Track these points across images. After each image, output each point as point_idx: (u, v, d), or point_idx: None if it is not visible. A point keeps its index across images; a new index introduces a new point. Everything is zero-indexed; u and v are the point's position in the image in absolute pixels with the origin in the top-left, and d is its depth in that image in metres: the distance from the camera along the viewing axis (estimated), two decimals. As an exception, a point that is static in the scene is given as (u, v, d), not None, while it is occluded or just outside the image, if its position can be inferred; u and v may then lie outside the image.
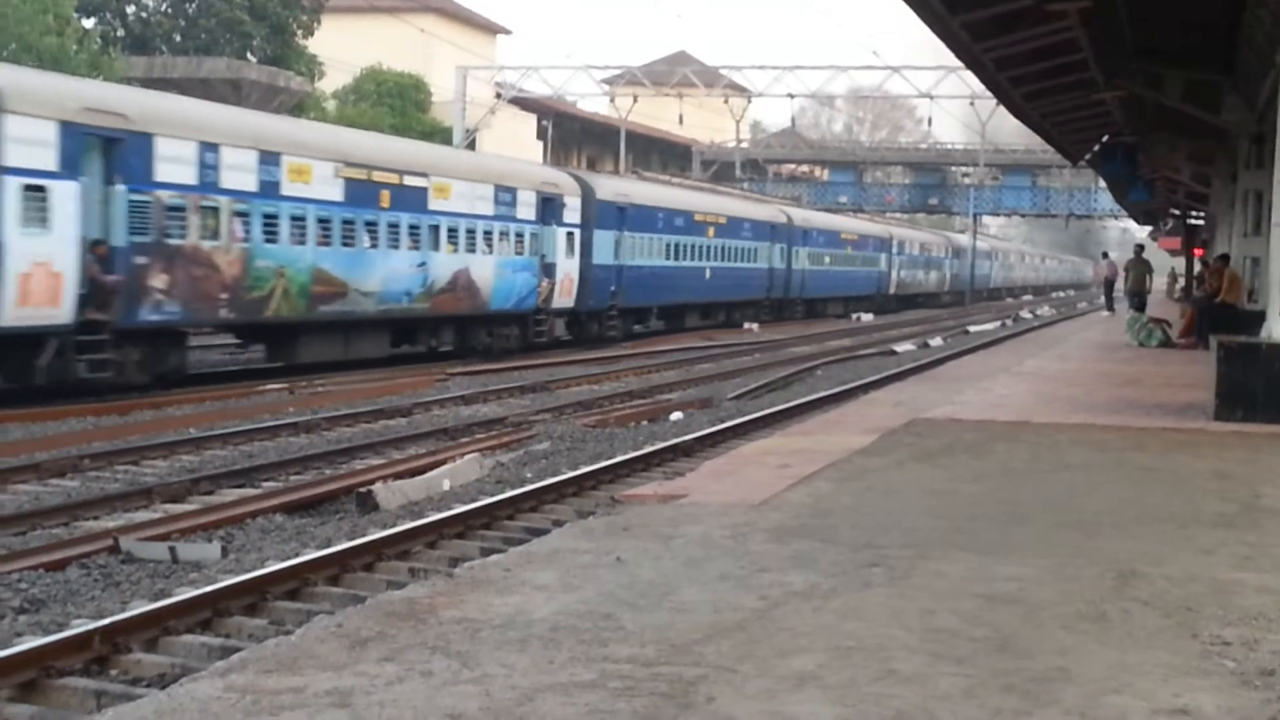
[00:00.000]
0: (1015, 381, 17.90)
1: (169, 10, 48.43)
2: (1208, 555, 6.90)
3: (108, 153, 19.39)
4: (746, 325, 44.63)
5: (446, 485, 12.89)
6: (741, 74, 63.65)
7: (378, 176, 25.62)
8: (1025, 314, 60.47)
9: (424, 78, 56.98)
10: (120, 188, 19.56)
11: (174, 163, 20.56)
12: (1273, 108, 14.51)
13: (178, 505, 12.06)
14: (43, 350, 18.59)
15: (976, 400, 14.99)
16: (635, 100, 60.66)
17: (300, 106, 46.72)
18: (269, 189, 22.60)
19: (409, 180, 26.61)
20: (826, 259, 54.59)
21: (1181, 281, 50.73)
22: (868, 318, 55.38)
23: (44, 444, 15.13)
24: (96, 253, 19.10)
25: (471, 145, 52.49)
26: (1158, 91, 19.96)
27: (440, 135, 51.86)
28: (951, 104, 59.10)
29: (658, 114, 64.35)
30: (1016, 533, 7.42)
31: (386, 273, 25.83)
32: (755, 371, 26.87)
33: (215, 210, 21.50)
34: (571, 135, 69.36)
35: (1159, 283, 63.26)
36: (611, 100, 64.58)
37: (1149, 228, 67.76)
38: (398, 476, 13.08)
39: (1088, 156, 34.01)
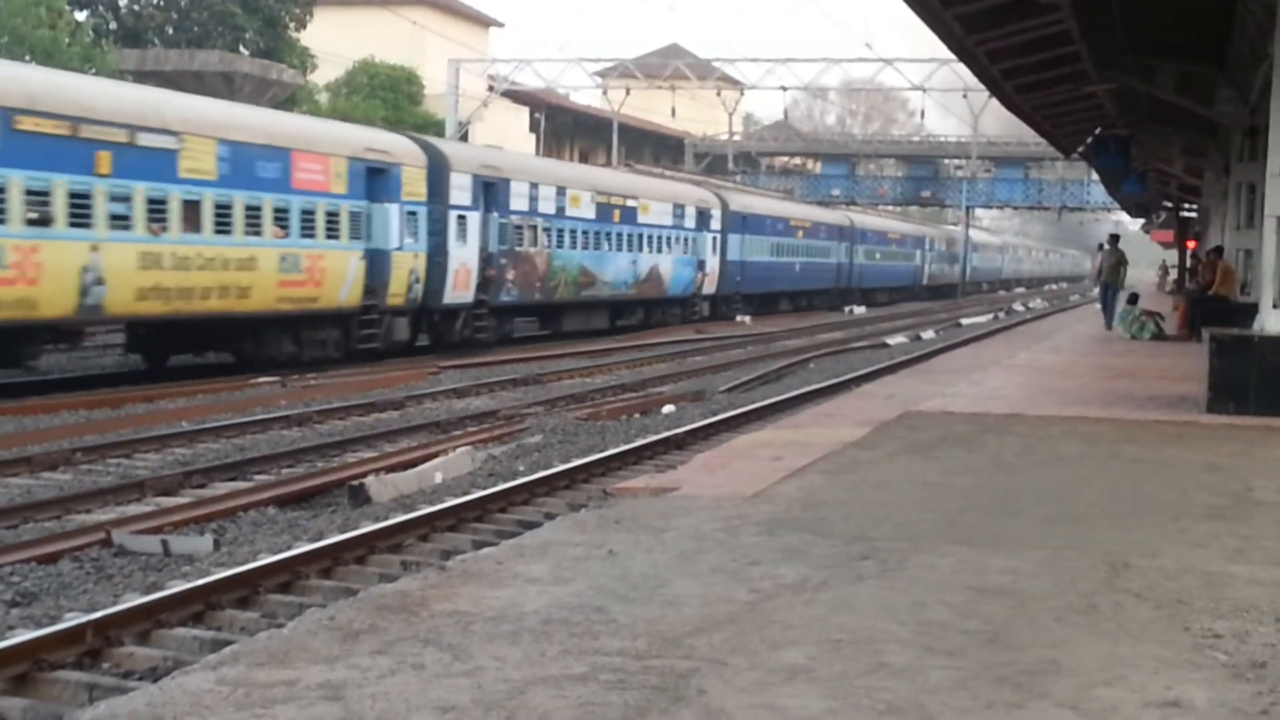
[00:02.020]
0: (1007, 374, 17.91)
1: (161, 3, 48.34)
2: (1200, 548, 6.91)
3: (488, 192, 29.69)
4: (739, 318, 44.77)
5: (438, 478, 12.89)
6: (734, 66, 63.70)
7: (613, 200, 36.46)
8: (1018, 306, 60.55)
9: (416, 71, 56.89)
10: (494, 214, 29.89)
11: (519, 197, 31.12)
12: (1265, 100, 14.50)
13: (170, 498, 12.05)
14: (457, 319, 28.71)
15: (969, 393, 15.00)
16: (628, 93, 60.64)
17: (292, 99, 46.66)
18: (560, 211, 33.13)
19: (629, 202, 37.44)
20: (877, 255, 64.01)
21: (1173, 274, 50.80)
22: (860, 310, 55.49)
23: (36, 437, 15.11)
24: (482, 255, 29.26)
25: (464, 138, 52.45)
26: (1150, 84, 19.96)
27: (433, 128, 51.79)
28: (944, 97, 59.18)
29: (650, 107, 64.34)
30: (1008, 525, 7.43)
31: (615, 268, 36.32)
32: (747, 364, 26.87)
33: (535, 227, 31.95)
34: (564, 128, 69.29)
35: (1149, 275, 63.41)
36: (604, 93, 64.56)
37: (1141, 220, 67.81)
38: (390, 470, 13.08)
39: (1080, 149, 33.97)
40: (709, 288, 43.50)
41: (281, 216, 23.08)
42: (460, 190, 28.43)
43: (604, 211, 35.57)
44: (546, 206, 32.35)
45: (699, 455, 11.67)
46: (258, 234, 22.48)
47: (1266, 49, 15.18)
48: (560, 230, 33.10)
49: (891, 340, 34.34)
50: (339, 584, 8.85)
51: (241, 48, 47.82)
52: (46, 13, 38.13)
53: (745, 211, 46.71)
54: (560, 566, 6.29)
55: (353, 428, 16.97)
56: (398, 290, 26.16)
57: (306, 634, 5.17)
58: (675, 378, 24.16)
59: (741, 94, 68.69)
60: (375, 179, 25.57)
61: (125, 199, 19.96)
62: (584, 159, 65.26)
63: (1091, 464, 9.78)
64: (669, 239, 39.97)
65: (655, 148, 74.03)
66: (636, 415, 18.35)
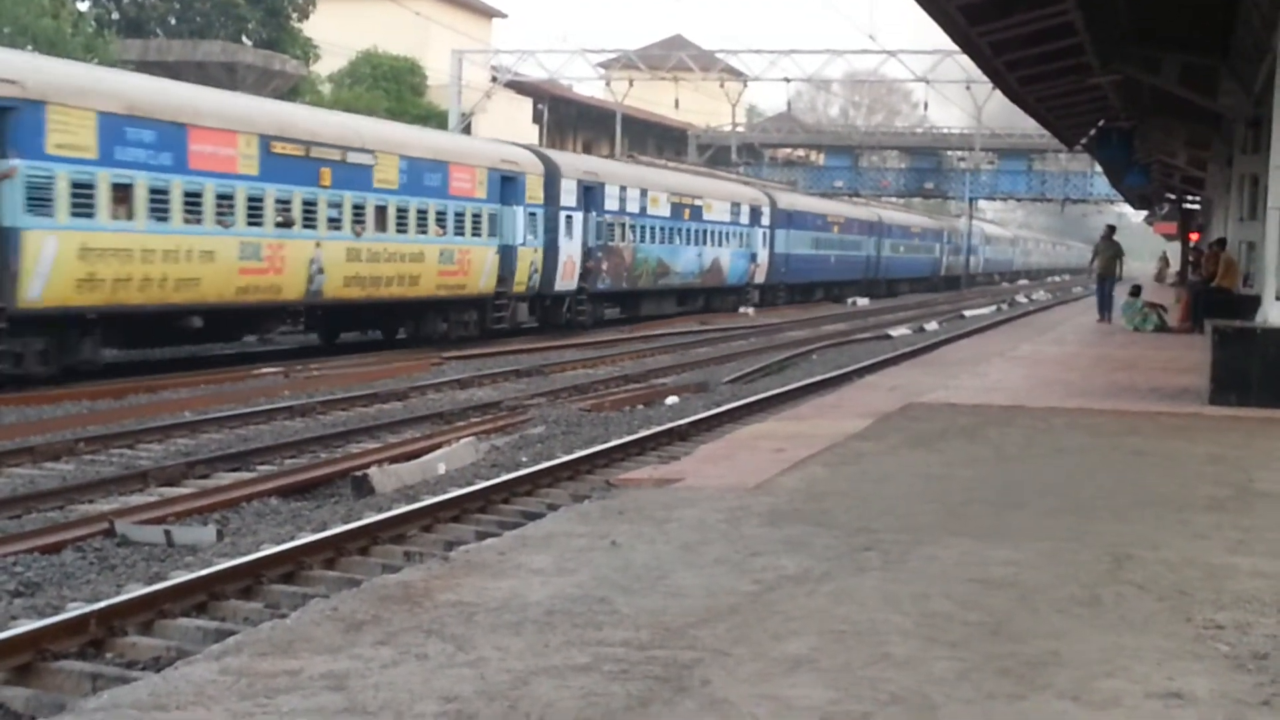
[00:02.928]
0: (1010, 366, 17.90)
1: (163, -7, 48.28)
2: (1202, 539, 6.91)
3: (587, 195, 34.25)
4: (742, 309, 44.82)
5: (442, 469, 12.89)
6: (738, 58, 63.81)
7: (684, 200, 41.18)
8: (1021, 298, 60.50)
9: (419, 61, 56.86)
10: (593, 214, 34.46)
11: (611, 198, 35.88)
12: (1269, 92, 14.48)
13: (173, 489, 12.06)
14: (564, 304, 33.63)
15: (971, 385, 15.00)
16: (631, 84, 60.61)
17: (295, 90, 46.61)
18: (643, 210, 37.89)
19: (696, 201, 42.30)
20: (901, 248, 68.87)
21: (1174, 266, 50.80)
22: (864, 302, 55.48)
23: (39, 427, 15.12)
24: (583, 249, 33.51)
25: (467, 129, 52.42)
26: (1154, 75, 19.92)
27: (436, 119, 51.76)
28: (947, 88, 59.11)
29: (653, 98, 64.28)
30: (1011, 517, 7.43)
31: (685, 260, 41.18)
32: (750, 356, 26.86)
33: (624, 225, 36.56)
34: (567, 119, 69.24)
35: (1151, 267, 63.35)
36: (607, 84, 64.57)
37: (1144, 212, 67.76)
38: (393, 460, 13.08)
39: (1084, 141, 33.95)
40: (760, 278, 48.32)
41: (441, 218, 28.02)
42: (568, 194, 33.24)
43: (677, 210, 40.46)
44: (633, 206, 37.28)
45: (702, 447, 11.66)
46: (425, 233, 27.48)
47: (1270, 41, 15.16)
48: (643, 227, 37.97)
49: (894, 332, 34.32)
50: (342, 574, 8.86)
51: (244, 38, 47.78)
52: (49, 3, 38.11)
53: (790, 209, 51.50)
54: (563, 557, 6.30)
55: (356, 418, 16.97)
56: (521, 279, 31.19)
57: (310, 624, 5.17)
58: (678, 369, 24.16)
59: (745, 85, 68.74)
60: (506, 185, 30.55)
61: (338, 205, 24.96)
62: (586, 150, 65.14)
63: (1094, 456, 9.78)
64: (728, 234, 44.89)
65: (658, 139, 73.93)
66: (640, 406, 18.35)
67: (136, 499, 11.54)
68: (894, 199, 79.03)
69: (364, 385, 20.15)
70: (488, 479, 12.01)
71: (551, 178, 32.59)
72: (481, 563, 6.23)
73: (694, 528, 6.99)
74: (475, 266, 29.22)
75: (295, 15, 49.53)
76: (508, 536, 7.07)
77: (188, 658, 5.01)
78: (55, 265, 18.87)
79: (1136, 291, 27.18)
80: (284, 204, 23.37)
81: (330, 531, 9.67)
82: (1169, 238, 62.94)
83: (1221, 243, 25.02)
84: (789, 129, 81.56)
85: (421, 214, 27.37)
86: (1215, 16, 17.85)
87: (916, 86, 65.28)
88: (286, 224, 23.39)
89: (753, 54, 61.06)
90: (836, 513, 7.43)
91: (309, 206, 24.06)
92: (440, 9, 60.21)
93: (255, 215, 22.63)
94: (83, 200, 19.26)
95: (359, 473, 12.24)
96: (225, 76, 40.17)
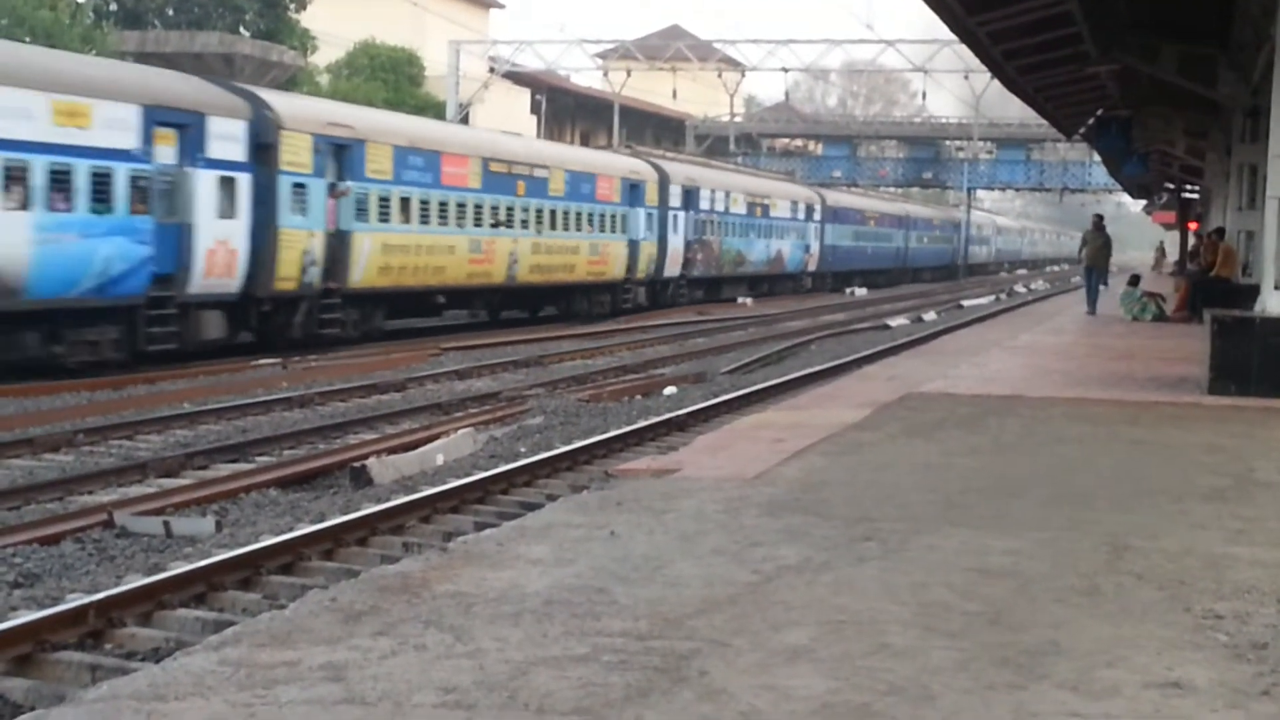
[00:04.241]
0: (1009, 356, 17.90)
1: (161, -16, 48.10)
2: (1201, 529, 6.91)
3: (687, 197, 41.79)
4: (740, 300, 44.91)
5: (440, 460, 12.89)
6: (735, 48, 63.56)
7: (756, 200, 48.82)
8: (1019, 288, 60.49)
9: (417, 52, 56.69)
10: (691, 213, 42.13)
11: (704, 200, 43.58)
12: (1267, 81, 14.47)
13: (172, 480, 12.06)
14: (669, 288, 40.87)
15: (970, 374, 14.99)
16: (629, 75, 60.50)
17: (294, 81, 46.48)
18: (726, 210, 45.53)
19: (765, 201, 49.93)
20: (925, 239, 76.14)
21: (1172, 255, 50.73)
22: (861, 292, 55.55)
23: (38, 419, 15.12)
24: (685, 243, 40.69)
25: (465, 120, 52.33)
26: (1152, 65, 19.90)
27: (434, 110, 51.67)
28: (946, 78, 59.04)
29: (651, 88, 64.17)
30: (1010, 507, 7.43)
31: (757, 251, 49.00)
32: (749, 346, 26.86)
33: (713, 222, 44.19)
34: (565, 110, 69.11)
35: (1148, 256, 63.30)
36: (605, 74, 64.42)
37: (1143, 201, 67.72)
38: (391, 451, 13.08)
39: (1082, 130, 33.93)
40: (812, 266, 55.76)
41: (590, 218, 35.38)
42: (675, 197, 40.88)
43: (750, 208, 48.16)
44: (719, 206, 44.80)
45: (700, 437, 11.66)
46: (580, 230, 34.80)
47: (1269, 30, 15.14)
48: (727, 223, 45.53)
49: (893, 322, 34.31)
50: (341, 565, 8.85)
51: (242, 29, 47.62)
52: (47, -6, 37.95)
53: (836, 205, 58.87)
54: (562, 548, 6.29)
55: (354, 409, 16.97)
56: (643, 268, 38.74)
57: (308, 615, 5.17)
58: (677, 359, 24.15)
59: (743, 75, 68.52)
60: (633, 191, 38.01)
61: (527, 210, 32.12)
62: (585, 141, 65.15)
63: (1093, 445, 9.78)
64: (788, 228, 52.70)
65: (656, 130, 73.77)
66: (638, 397, 18.34)
67: (135, 490, 11.54)
68: (892, 189, 78.98)
69: (362, 376, 20.14)
70: (486, 470, 12.01)
71: (664, 183, 40.09)
72: (480, 553, 6.23)
73: (693, 518, 6.99)
74: (612, 257, 36.69)
75: (293, 6, 49.32)
76: (506, 527, 7.07)
77: (186, 649, 5.01)
78: (368, 257, 25.90)
79: (1135, 281, 27.14)
80: (495, 209, 30.58)
81: (329, 522, 9.67)
82: (1168, 227, 62.91)
83: (1220, 232, 24.99)
84: (787, 119, 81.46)
85: (579, 216, 34.57)
86: (1214, 5, 17.83)
87: (915, 76, 65.13)
88: (496, 225, 30.58)
89: (750, 44, 61.08)
90: (835, 503, 7.43)
91: (509, 211, 31.22)
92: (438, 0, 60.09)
93: (478, 219, 29.89)
94: (383, 210, 26.36)
95: (357, 464, 12.24)
96: (223, 67, 39.99)
